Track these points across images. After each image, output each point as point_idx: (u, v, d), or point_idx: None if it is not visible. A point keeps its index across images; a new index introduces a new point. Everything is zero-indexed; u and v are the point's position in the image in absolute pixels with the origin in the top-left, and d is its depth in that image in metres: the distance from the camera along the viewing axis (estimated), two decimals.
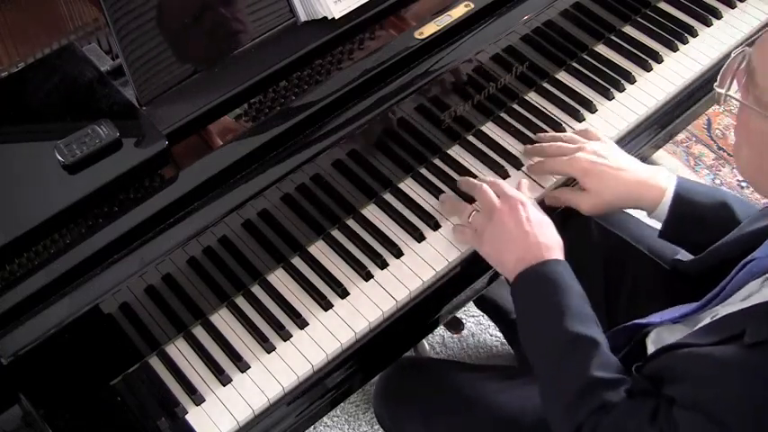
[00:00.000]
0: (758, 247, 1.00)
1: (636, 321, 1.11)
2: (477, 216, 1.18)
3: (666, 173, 1.19)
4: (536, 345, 1.07)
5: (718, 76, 0.95)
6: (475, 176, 1.28)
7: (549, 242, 1.10)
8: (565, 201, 1.24)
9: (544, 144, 1.29)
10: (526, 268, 1.08)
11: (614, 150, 1.23)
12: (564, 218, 1.25)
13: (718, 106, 0.98)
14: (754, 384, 0.85)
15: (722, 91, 0.95)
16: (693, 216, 1.15)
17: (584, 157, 1.20)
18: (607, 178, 1.18)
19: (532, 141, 1.33)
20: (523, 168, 1.30)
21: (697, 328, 0.98)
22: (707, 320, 0.98)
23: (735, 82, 0.94)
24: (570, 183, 1.28)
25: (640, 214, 1.29)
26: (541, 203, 1.25)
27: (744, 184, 2.21)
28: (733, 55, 0.94)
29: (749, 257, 0.98)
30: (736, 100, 0.92)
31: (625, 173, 1.18)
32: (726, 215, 1.15)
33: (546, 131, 1.33)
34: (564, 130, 1.34)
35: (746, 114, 0.91)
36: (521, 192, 1.18)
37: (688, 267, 1.18)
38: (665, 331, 1.08)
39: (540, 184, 1.28)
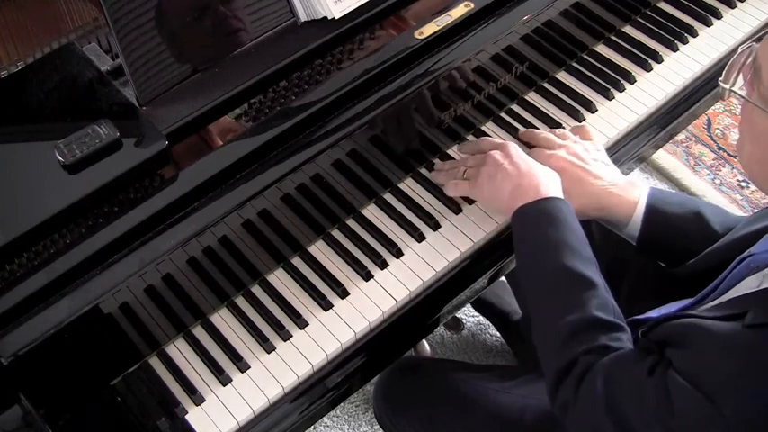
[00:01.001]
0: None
1: (634, 317, 1.11)
2: (470, 169, 1.19)
3: (640, 186, 1.17)
4: (534, 279, 1.06)
5: (724, 71, 0.95)
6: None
7: (548, 175, 1.11)
8: None
9: (535, 131, 1.29)
10: (528, 203, 1.08)
11: (597, 156, 1.21)
12: None
13: (721, 103, 0.98)
14: (747, 364, 0.85)
15: (727, 86, 0.94)
16: (667, 228, 1.15)
17: (564, 156, 1.19)
18: (579, 182, 1.16)
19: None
20: None
21: (703, 308, 0.98)
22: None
23: (740, 78, 0.94)
24: None
25: None
26: None
27: (744, 184, 2.21)
28: (740, 50, 0.93)
29: (746, 253, 0.98)
30: (741, 96, 0.92)
31: (599, 181, 1.17)
32: (699, 224, 1.15)
33: None
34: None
35: (750, 111, 0.90)
36: None
37: (686, 270, 1.18)
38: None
39: None
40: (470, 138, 1.33)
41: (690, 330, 0.91)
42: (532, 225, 1.08)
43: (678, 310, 1.06)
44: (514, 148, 1.16)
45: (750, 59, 0.91)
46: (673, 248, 1.17)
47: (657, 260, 1.22)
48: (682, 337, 0.92)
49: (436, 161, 1.29)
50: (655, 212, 1.15)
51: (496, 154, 1.16)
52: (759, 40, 0.92)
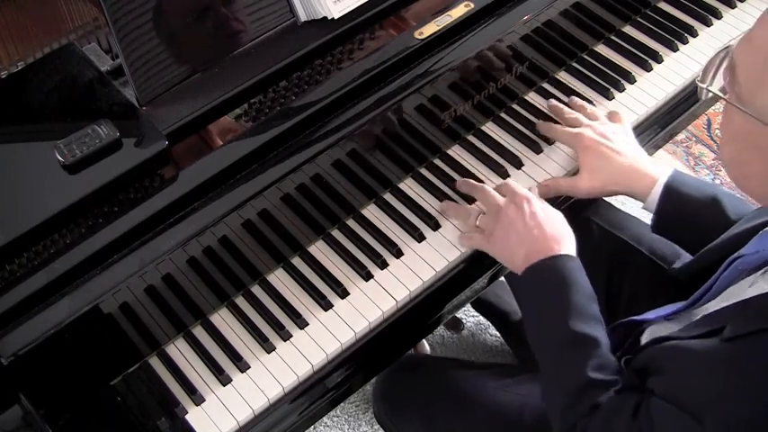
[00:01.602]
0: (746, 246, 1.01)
1: (632, 318, 1.12)
2: (483, 218, 1.18)
3: (664, 166, 1.20)
4: (539, 339, 1.07)
5: (701, 71, 0.95)
6: (475, 177, 1.29)
7: (559, 235, 1.10)
8: (557, 188, 1.25)
9: (565, 109, 1.31)
10: (534, 262, 1.08)
11: (624, 136, 1.25)
12: (571, 216, 1.25)
13: (699, 98, 0.98)
14: (727, 377, 0.85)
15: (703, 86, 0.94)
16: (683, 208, 1.16)
17: (589, 135, 1.22)
18: (604, 158, 1.20)
19: (532, 141, 1.33)
20: (524, 168, 1.30)
21: (687, 324, 0.98)
22: (698, 317, 0.99)
23: (718, 77, 0.93)
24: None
25: (641, 213, 1.29)
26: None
27: None
28: (716, 50, 0.94)
29: (735, 255, 0.98)
30: (717, 95, 0.91)
31: (623, 158, 1.20)
32: (715, 210, 1.16)
33: None
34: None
35: (729, 110, 0.90)
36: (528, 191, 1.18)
37: (683, 271, 1.18)
38: (658, 329, 1.09)
39: (540, 184, 1.28)
40: (470, 138, 1.33)
41: (670, 355, 0.92)
42: (539, 286, 1.08)
43: (673, 313, 1.06)
44: (528, 201, 1.13)
45: (726, 61, 0.91)
46: (686, 230, 1.19)
47: (672, 240, 1.24)
48: (662, 362, 0.93)
49: (444, 191, 1.27)
50: (672, 192, 1.16)
51: (510, 212, 1.13)
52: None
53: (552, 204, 1.17)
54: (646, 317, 1.10)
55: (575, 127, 1.27)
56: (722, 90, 0.91)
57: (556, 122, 1.32)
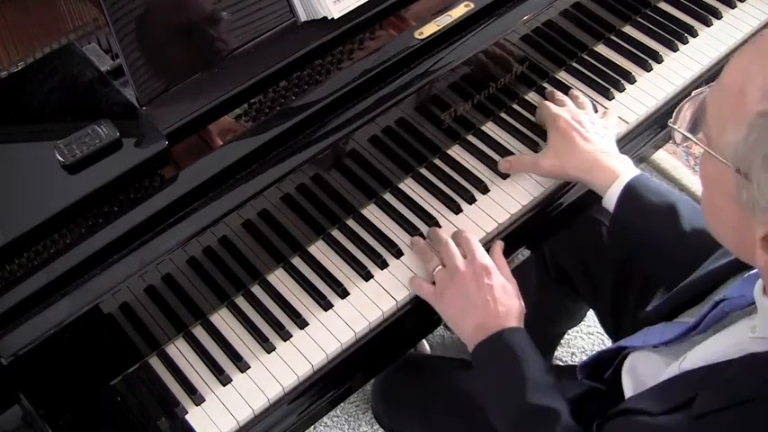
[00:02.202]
0: (720, 286, 1.00)
1: (620, 344, 1.09)
2: (440, 272, 1.15)
3: (628, 164, 1.21)
4: (498, 413, 1.08)
5: (674, 112, 0.91)
6: (475, 177, 1.29)
7: (510, 311, 1.10)
8: (519, 164, 1.27)
9: (557, 92, 1.34)
10: (483, 339, 1.08)
11: (602, 129, 1.26)
12: (572, 215, 1.25)
13: (673, 141, 0.97)
14: None
15: (675, 126, 0.90)
16: (639, 211, 1.16)
17: (565, 117, 1.25)
18: (571, 142, 1.22)
19: (532, 141, 1.33)
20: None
21: (662, 379, 0.94)
22: (674, 367, 0.94)
23: (687, 119, 0.90)
24: (559, 191, 1.29)
25: None
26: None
27: None
28: (693, 94, 0.90)
29: (720, 297, 0.94)
30: (687, 137, 0.88)
31: (589, 145, 1.21)
32: (670, 219, 1.14)
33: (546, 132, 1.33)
34: None
35: (703, 156, 0.86)
36: (491, 254, 1.17)
37: (653, 314, 1.12)
38: (640, 359, 1.06)
39: (540, 184, 1.28)
40: (470, 138, 1.34)
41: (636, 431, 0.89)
42: (492, 362, 1.08)
43: (660, 343, 1.03)
44: (486, 272, 1.12)
45: (700, 101, 0.87)
46: (640, 234, 1.18)
47: (627, 243, 1.23)
48: None
49: (444, 190, 1.27)
50: (631, 193, 1.16)
51: (467, 277, 1.12)
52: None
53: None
54: (633, 344, 1.07)
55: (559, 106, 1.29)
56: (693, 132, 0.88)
57: None
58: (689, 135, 0.88)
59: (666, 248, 1.16)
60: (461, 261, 1.14)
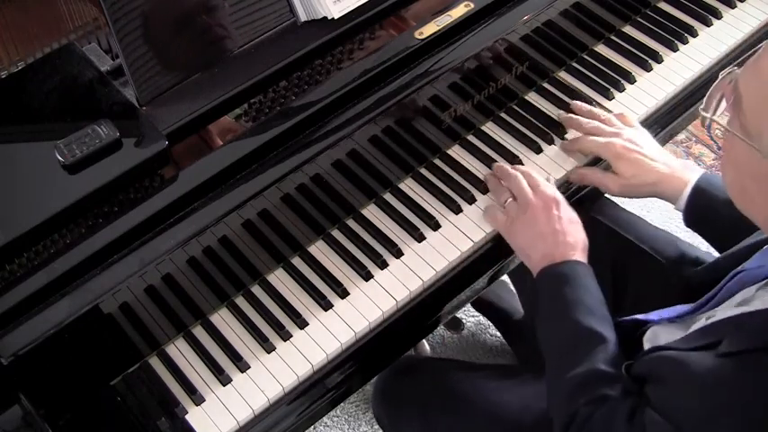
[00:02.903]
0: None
1: (635, 317, 1.13)
2: (511, 205, 1.20)
3: (695, 168, 1.22)
4: (550, 336, 1.09)
5: (704, 99, 0.94)
6: (475, 177, 1.29)
7: (575, 242, 1.13)
8: (591, 180, 1.27)
9: (582, 119, 1.31)
10: (549, 265, 1.11)
11: (647, 139, 1.26)
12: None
13: (703, 126, 0.99)
14: (716, 396, 0.85)
15: (708, 115, 0.93)
16: (709, 208, 1.18)
17: (620, 143, 1.23)
18: (640, 165, 1.21)
19: (533, 141, 1.33)
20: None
21: (690, 331, 0.99)
22: (702, 321, 0.99)
23: (722, 104, 0.92)
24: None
25: (645, 214, 1.29)
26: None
27: None
28: (721, 76, 0.92)
29: (740, 267, 1.00)
30: (722, 126, 0.90)
31: (656, 164, 1.22)
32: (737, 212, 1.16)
33: (547, 131, 1.33)
34: (564, 131, 1.34)
35: (731, 138, 0.89)
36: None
37: (695, 276, 1.20)
38: (661, 330, 1.09)
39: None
40: (470, 138, 1.33)
41: (666, 365, 0.93)
42: (553, 286, 1.11)
43: (677, 316, 1.07)
44: (556, 204, 1.16)
45: (730, 87, 0.89)
46: (713, 227, 1.20)
47: (702, 236, 1.25)
48: (659, 371, 0.94)
49: (444, 191, 1.28)
50: (700, 193, 1.18)
51: (538, 208, 1.16)
52: (741, 64, 0.91)
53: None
54: (649, 317, 1.11)
55: (595, 135, 1.27)
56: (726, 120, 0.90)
57: (555, 127, 1.33)
58: (723, 123, 0.90)
59: (741, 239, 1.17)
60: (531, 193, 1.18)
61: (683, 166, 1.22)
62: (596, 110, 1.33)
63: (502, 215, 1.21)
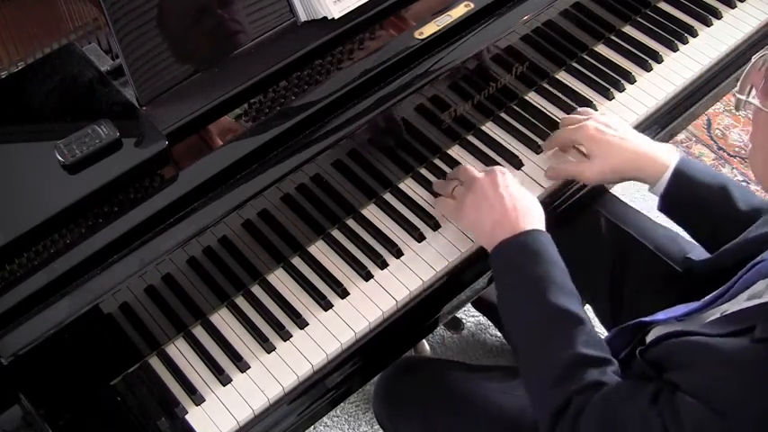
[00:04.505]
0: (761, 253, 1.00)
1: (641, 320, 1.11)
2: (459, 188, 1.19)
3: (671, 149, 1.21)
4: (518, 318, 1.06)
5: (738, 83, 0.96)
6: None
7: (530, 211, 1.10)
8: (565, 172, 1.26)
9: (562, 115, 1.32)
10: (508, 237, 1.07)
11: (623, 124, 1.25)
12: (574, 211, 1.25)
13: (736, 110, 1.00)
14: (760, 380, 0.85)
15: (743, 97, 0.95)
16: (690, 193, 1.17)
17: (593, 125, 1.23)
18: (613, 146, 1.20)
19: (532, 141, 1.33)
20: (524, 168, 1.31)
21: (707, 322, 0.98)
22: (716, 316, 0.98)
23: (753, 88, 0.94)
24: (561, 190, 1.29)
25: (648, 209, 1.29)
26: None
27: (744, 184, 2.21)
28: (753, 59, 0.94)
29: (759, 258, 0.98)
30: (756, 105, 0.92)
31: (630, 143, 1.21)
32: (723, 198, 1.16)
33: (547, 131, 1.33)
34: None
35: (764, 118, 0.91)
36: None
37: (699, 268, 1.18)
38: (666, 329, 1.08)
39: (539, 184, 1.28)
40: (470, 138, 1.34)
41: (695, 350, 0.91)
42: (513, 260, 1.07)
43: (686, 314, 1.06)
44: (503, 175, 1.15)
45: (763, 68, 0.92)
46: (693, 212, 1.19)
47: (677, 222, 1.24)
48: (686, 357, 0.92)
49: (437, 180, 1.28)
50: (681, 176, 1.17)
51: (484, 181, 1.15)
52: None
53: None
54: (656, 318, 1.09)
55: (569, 125, 1.27)
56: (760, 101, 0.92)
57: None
58: (757, 104, 0.91)
59: (720, 226, 1.16)
60: (477, 172, 1.17)
61: (659, 147, 1.21)
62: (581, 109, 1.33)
63: (451, 200, 1.20)
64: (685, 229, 1.24)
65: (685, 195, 1.17)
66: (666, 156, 1.19)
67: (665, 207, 1.21)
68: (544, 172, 1.28)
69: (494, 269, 1.10)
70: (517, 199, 1.11)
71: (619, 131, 1.22)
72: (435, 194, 1.26)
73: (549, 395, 0.99)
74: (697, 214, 1.19)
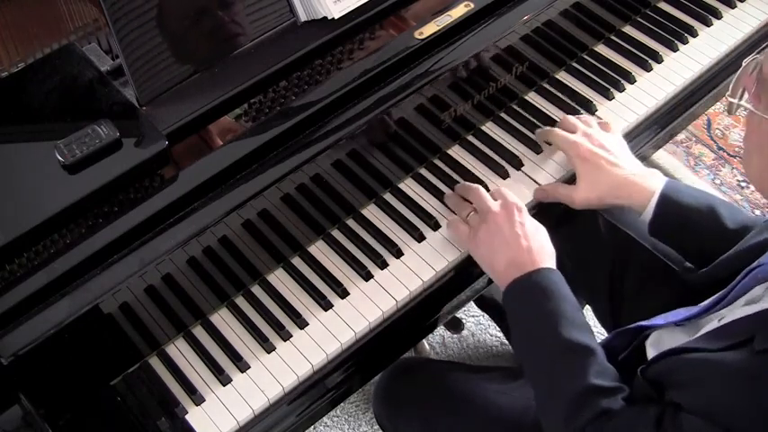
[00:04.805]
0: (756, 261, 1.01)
1: (639, 324, 1.11)
2: (473, 216, 1.19)
3: (660, 177, 1.20)
4: (531, 352, 1.07)
5: (731, 86, 0.96)
6: (475, 177, 1.29)
7: (543, 249, 1.11)
8: (554, 193, 1.25)
9: (568, 117, 1.30)
10: (520, 276, 1.08)
11: (618, 146, 1.24)
12: (573, 211, 1.25)
13: (729, 114, 1.00)
14: (763, 392, 0.84)
15: (735, 101, 0.95)
16: (678, 216, 1.16)
17: (587, 146, 1.22)
18: (601, 171, 1.20)
19: (532, 141, 1.33)
20: (524, 168, 1.31)
21: (703, 332, 0.98)
22: (713, 324, 0.98)
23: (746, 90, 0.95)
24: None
25: None
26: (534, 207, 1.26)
27: (744, 184, 2.21)
28: (744, 63, 0.94)
29: (755, 263, 0.98)
30: (750, 109, 0.92)
31: (620, 170, 1.20)
32: (711, 219, 1.16)
33: None
34: None
35: (758, 122, 0.91)
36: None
37: (697, 279, 1.18)
38: (665, 334, 1.08)
39: (539, 184, 1.28)
40: (470, 138, 1.34)
41: (696, 366, 0.91)
42: (525, 297, 1.09)
43: (685, 318, 1.06)
44: (518, 210, 1.14)
45: (755, 72, 0.92)
46: (682, 237, 1.19)
47: (668, 245, 1.23)
48: (687, 375, 0.92)
49: (444, 192, 1.27)
50: (668, 201, 1.16)
51: (500, 216, 1.14)
52: (763, 51, 0.93)
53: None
54: (654, 322, 1.09)
55: (570, 131, 1.26)
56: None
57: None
58: (749, 107, 0.91)
59: (710, 246, 1.15)
60: (493, 202, 1.16)
61: (648, 174, 1.20)
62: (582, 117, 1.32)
63: (464, 226, 1.19)
64: (675, 249, 1.23)
65: (673, 219, 1.17)
66: (652, 182, 1.18)
67: (653, 232, 1.20)
68: (535, 189, 1.27)
69: (506, 306, 1.11)
70: (531, 238, 1.11)
71: (611, 154, 1.21)
72: (449, 197, 1.25)
73: (564, 427, 1.00)
74: (686, 236, 1.18)
